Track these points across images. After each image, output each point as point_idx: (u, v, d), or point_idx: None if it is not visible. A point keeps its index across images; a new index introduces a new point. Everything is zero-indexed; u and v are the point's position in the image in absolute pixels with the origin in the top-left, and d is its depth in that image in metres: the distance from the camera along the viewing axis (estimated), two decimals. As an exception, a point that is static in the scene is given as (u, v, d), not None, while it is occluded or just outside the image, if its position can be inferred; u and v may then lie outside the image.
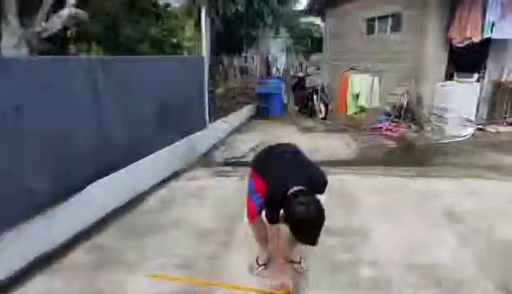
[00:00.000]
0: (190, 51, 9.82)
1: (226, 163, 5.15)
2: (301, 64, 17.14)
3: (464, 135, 6.62)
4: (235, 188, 4.21)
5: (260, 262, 2.65)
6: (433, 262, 2.48)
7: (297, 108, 9.53)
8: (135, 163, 3.84)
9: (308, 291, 2.40)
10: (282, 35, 19.47)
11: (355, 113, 7.59)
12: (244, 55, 11.09)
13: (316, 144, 6.21)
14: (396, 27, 7.99)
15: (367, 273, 2.58)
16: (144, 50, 6.48)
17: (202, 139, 5.56)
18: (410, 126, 7.34)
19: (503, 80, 7.20)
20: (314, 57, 17.46)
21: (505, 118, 7.26)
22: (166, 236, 3.10)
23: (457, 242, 2.92)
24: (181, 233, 3.14)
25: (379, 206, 3.65)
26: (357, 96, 7.24)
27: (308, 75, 10.03)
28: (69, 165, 3.02)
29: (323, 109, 8.28)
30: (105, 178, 3.40)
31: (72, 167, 3.05)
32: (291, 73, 15.75)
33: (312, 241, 2.06)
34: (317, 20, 15.27)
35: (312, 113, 8.68)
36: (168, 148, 4.52)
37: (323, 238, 2.99)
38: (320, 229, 2.02)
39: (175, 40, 7.73)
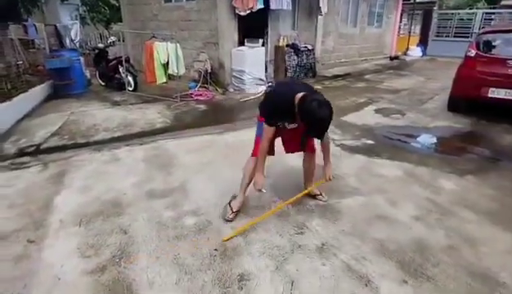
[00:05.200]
0: None
1: (22, 154, 4.35)
2: (101, 35, 15.58)
3: (259, 92, 7.82)
4: (38, 178, 3.67)
5: (234, 209, 2.89)
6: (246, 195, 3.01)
7: (103, 82, 8.75)
8: None
9: (139, 253, 2.47)
10: (72, 1, 16.96)
11: (165, 82, 7.63)
12: (23, 24, 9.10)
13: (130, 117, 6.00)
14: (191, -4, 8.30)
15: (191, 221, 2.87)
16: None
17: (-21, 130, 4.46)
18: (216, 90, 8.06)
19: (280, 44, 8.79)
20: (116, 27, 16.12)
21: (286, 74, 8.97)
22: None
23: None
24: (-30, 246, 2.56)
25: (195, 163, 3.98)
26: (165, 65, 7.28)
27: (110, 46, 9.24)
28: None
29: (131, 80, 7.93)
30: None
31: None
32: (90, 44, 14.14)
33: (322, 132, 2.47)
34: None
35: (120, 87, 8.18)
36: None
37: (149, 202, 3.14)
38: (329, 123, 2.36)
39: None
